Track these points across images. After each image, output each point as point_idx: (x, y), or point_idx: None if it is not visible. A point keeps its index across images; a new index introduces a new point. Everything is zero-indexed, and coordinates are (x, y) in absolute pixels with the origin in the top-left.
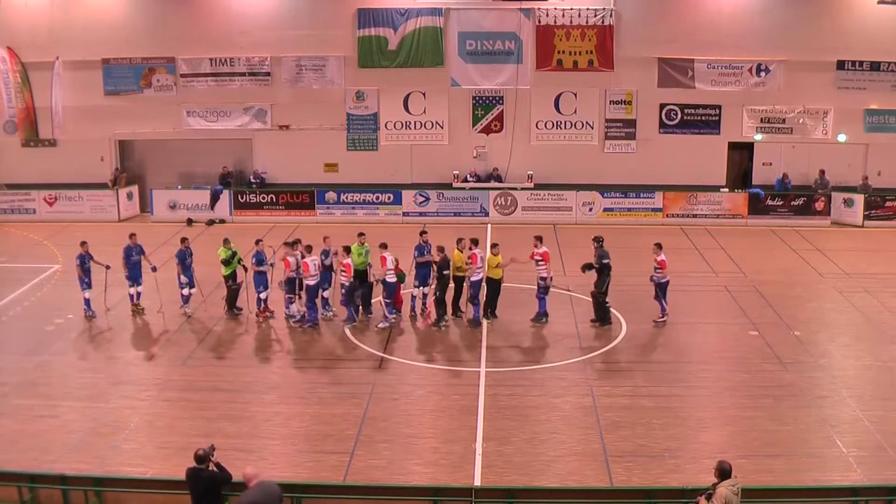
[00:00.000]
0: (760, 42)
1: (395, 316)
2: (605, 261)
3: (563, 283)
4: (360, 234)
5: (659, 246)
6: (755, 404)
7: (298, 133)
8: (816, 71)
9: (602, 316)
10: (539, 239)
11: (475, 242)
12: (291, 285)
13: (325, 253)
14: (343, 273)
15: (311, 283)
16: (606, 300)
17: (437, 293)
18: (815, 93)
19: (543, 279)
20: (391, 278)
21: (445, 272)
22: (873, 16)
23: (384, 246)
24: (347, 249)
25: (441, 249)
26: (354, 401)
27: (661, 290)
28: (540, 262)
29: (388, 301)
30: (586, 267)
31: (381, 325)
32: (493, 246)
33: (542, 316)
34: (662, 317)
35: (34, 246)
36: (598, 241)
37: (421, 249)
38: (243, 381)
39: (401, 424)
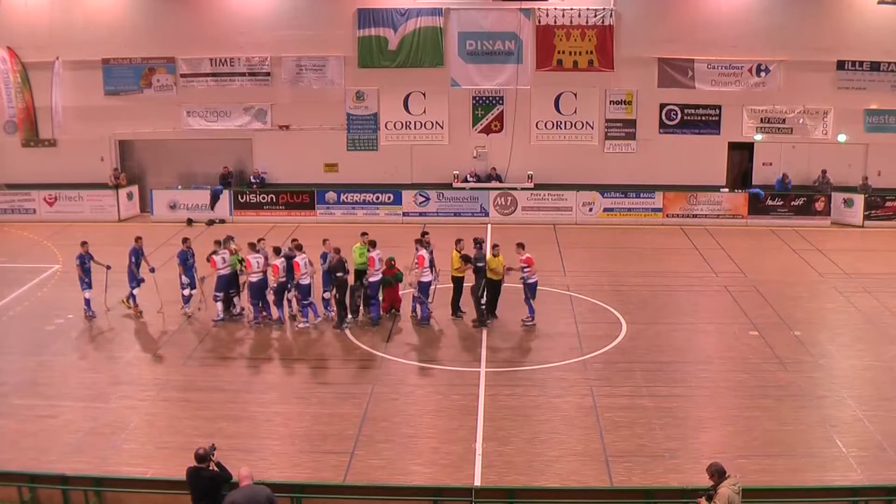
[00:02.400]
0: (760, 42)
1: (307, 322)
2: (480, 264)
3: (563, 283)
4: (363, 234)
5: (521, 245)
6: (755, 404)
7: (298, 133)
8: (816, 71)
9: (480, 318)
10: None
11: (373, 244)
12: (220, 285)
13: (324, 256)
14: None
15: (255, 279)
16: (482, 302)
17: (337, 295)
18: (815, 93)
19: (422, 283)
20: (305, 281)
21: (339, 274)
22: (873, 16)
23: (299, 247)
24: (277, 250)
25: (337, 251)
26: (354, 401)
27: (530, 290)
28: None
29: (304, 303)
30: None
31: (300, 326)
32: (494, 247)
33: (426, 320)
34: (530, 319)
35: (34, 246)
36: (478, 242)
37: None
38: (243, 381)
39: (401, 424)
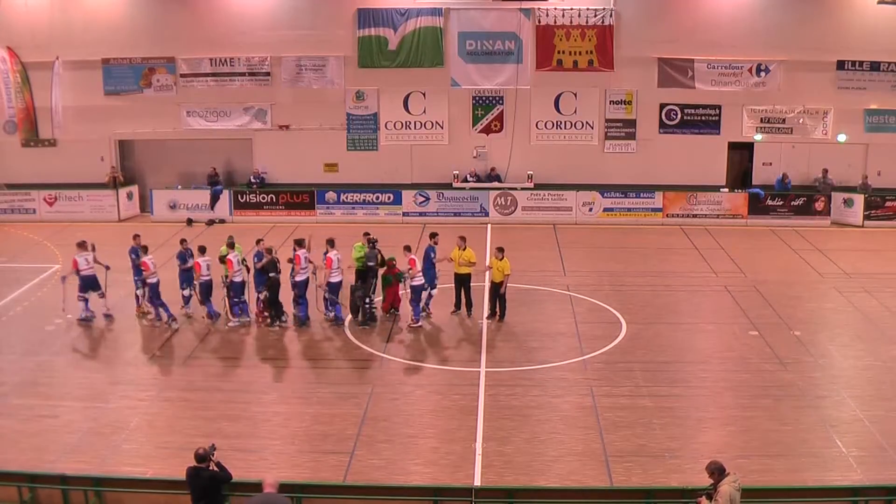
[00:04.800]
0: (760, 42)
1: (245, 318)
2: (370, 263)
3: (563, 283)
4: (366, 234)
5: (408, 248)
6: (755, 404)
7: (298, 133)
8: (816, 71)
9: (363, 317)
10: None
11: (300, 243)
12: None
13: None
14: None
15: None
16: (366, 302)
17: (268, 294)
18: (815, 93)
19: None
20: (238, 278)
21: (272, 274)
22: (873, 16)
23: (231, 245)
24: (203, 249)
25: (270, 251)
26: (354, 401)
27: (413, 293)
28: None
29: (234, 300)
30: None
31: (230, 324)
32: (499, 250)
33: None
34: (415, 322)
35: (34, 246)
36: (372, 242)
37: (431, 251)
38: (243, 381)
39: (401, 424)
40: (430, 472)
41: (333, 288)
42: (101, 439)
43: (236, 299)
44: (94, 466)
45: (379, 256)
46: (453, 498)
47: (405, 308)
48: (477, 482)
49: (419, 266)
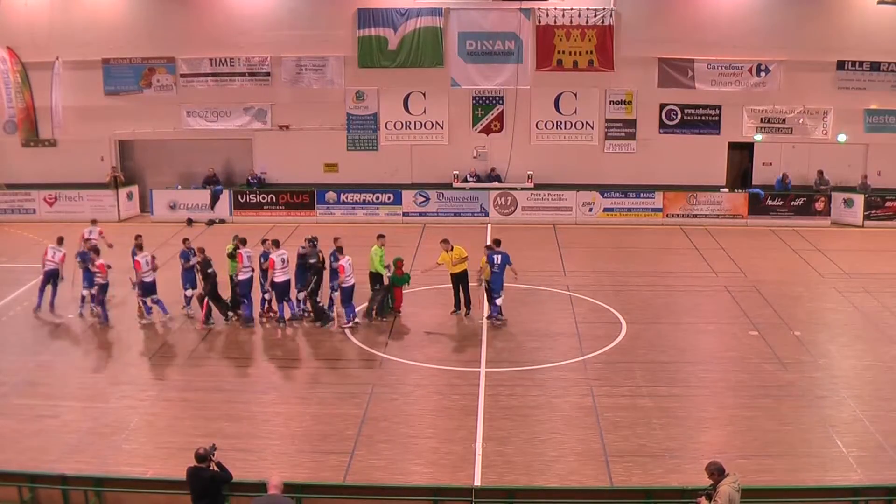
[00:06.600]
0: (760, 42)
1: (149, 318)
2: (312, 261)
3: (563, 283)
4: (380, 236)
5: (340, 250)
6: (755, 404)
7: (298, 133)
8: (816, 71)
9: (318, 315)
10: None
11: (243, 242)
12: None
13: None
14: (98, 274)
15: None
16: (318, 300)
17: (205, 291)
18: (815, 93)
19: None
20: (148, 278)
21: (209, 271)
22: (873, 16)
23: (140, 246)
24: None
25: (202, 250)
26: (354, 401)
27: (345, 294)
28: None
29: (144, 299)
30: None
31: (142, 322)
32: (445, 241)
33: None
34: (349, 322)
35: (34, 246)
36: (312, 241)
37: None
38: (243, 381)
39: (401, 424)
40: (430, 472)
41: (279, 288)
42: (101, 439)
43: (144, 298)
44: (94, 466)
45: (320, 255)
46: (453, 498)
47: (405, 308)
48: (477, 482)
49: (348, 272)
